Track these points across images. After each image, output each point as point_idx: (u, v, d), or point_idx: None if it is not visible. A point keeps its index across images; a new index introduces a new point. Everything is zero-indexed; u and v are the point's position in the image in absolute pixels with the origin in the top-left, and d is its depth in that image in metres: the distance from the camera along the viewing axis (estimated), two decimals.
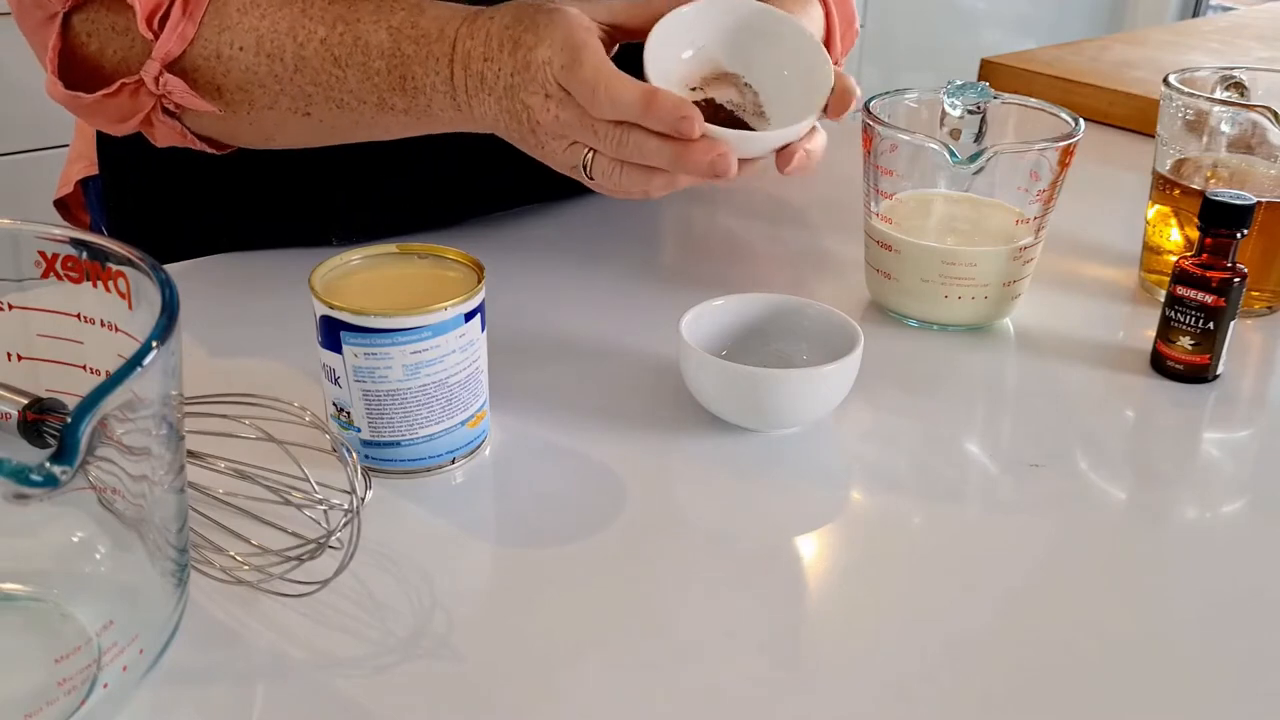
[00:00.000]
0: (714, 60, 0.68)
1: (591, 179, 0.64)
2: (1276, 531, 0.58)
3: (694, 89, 0.68)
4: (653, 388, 0.68)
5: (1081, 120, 0.73)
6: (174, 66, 0.69)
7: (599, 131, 0.61)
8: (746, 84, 0.68)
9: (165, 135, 0.73)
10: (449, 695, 0.46)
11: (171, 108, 0.71)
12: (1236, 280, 0.67)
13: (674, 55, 0.66)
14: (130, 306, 0.45)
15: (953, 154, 0.70)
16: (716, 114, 0.67)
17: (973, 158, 0.70)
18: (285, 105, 0.69)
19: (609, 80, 0.60)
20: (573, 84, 0.61)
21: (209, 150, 0.75)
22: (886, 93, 0.77)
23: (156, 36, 0.67)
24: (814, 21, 0.83)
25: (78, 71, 0.71)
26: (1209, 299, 0.67)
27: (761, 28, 0.67)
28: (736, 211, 0.94)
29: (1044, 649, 0.50)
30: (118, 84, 0.69)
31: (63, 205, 0.96)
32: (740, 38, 0.68)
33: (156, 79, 0.68)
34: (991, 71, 1.30)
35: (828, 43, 0.88)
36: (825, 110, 0.64)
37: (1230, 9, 2.39)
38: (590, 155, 0.63)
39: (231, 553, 0.51)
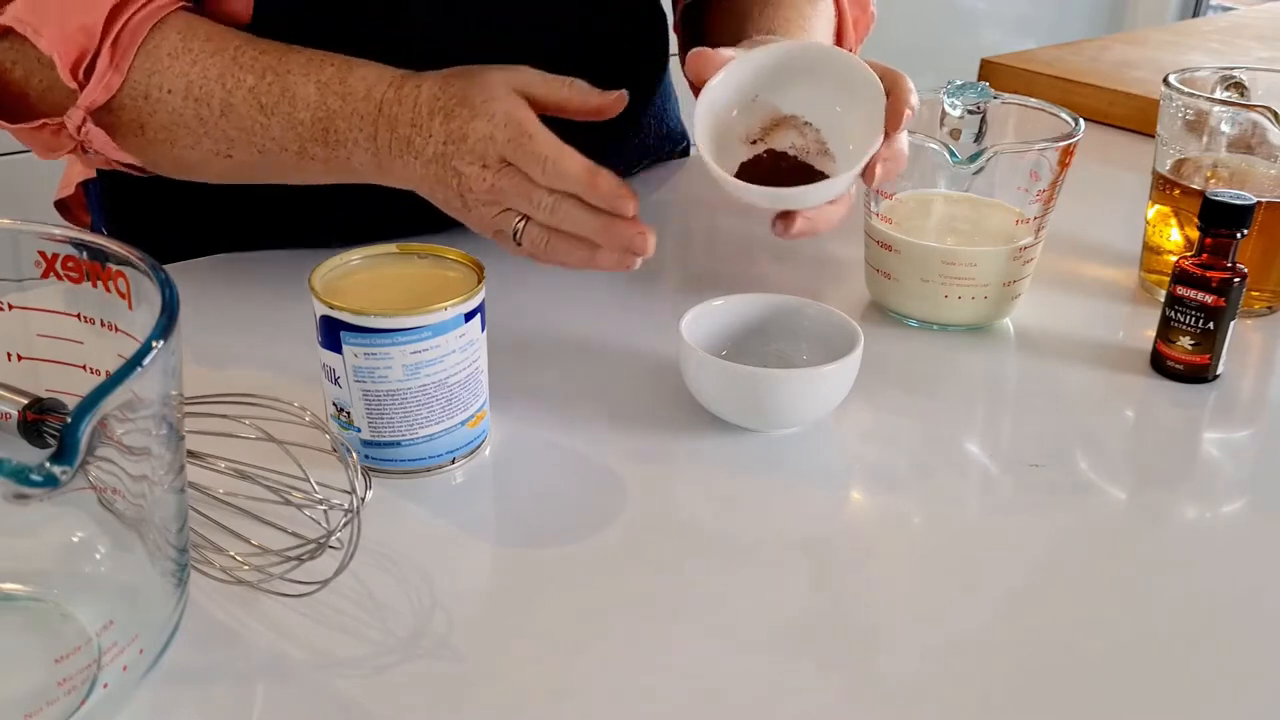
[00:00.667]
0: (767, 106, 0.69)
1: (519, 244, 0.66)
2: (1276, 531, 0.58)
3: (754, 141, 0.69)
4: (653, 388, 0.68)
5: (1081, 120, 0.73)
6: (98, 110, 0.70)
7: (535, 200, 0.64)
8: (806, 123, 0.69)
9: (91, 163, 0.75)
10: (449, 695, 0.46)
11: (92, 152, 0.72)
12: (1236, 280, 0.67)
13: (725, 116, 0.68)
14: (130, 306, 0.45)
15: (953, 154, 0.70)
16: (779, 164, 0.67)
17: (973, 158, 0.70)
18: (208, 147, 0.71)
19: (559, 154, 0.63)
20: (520, 156, 0.64)
21: (133, 173, 0.77)
22: None
23: (82, 86, 0.69)
24: (822, 17, 0.83)
25: (3, 96, 0.72)
26: (1209, 299, 0.67)
27: (802, 64, 0.67)
28: (737, 211, 0.94)
29: (1044, 649, 0.50)
30: (40, 122, 0.71)
31: (64, 206, 0.96)
32: (785, 78, 0.68)
33: (79, 127, 0.70)
34: (991, 71, 1.30)
35: (840, 33, 0.88)
36: (886, 130, 0.65)
37: (1230, 9, 2.39)
38: (522, 223, 0.65)
39: (231, 553, 0.51)
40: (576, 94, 0.67)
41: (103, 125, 0.70)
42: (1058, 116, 0.74)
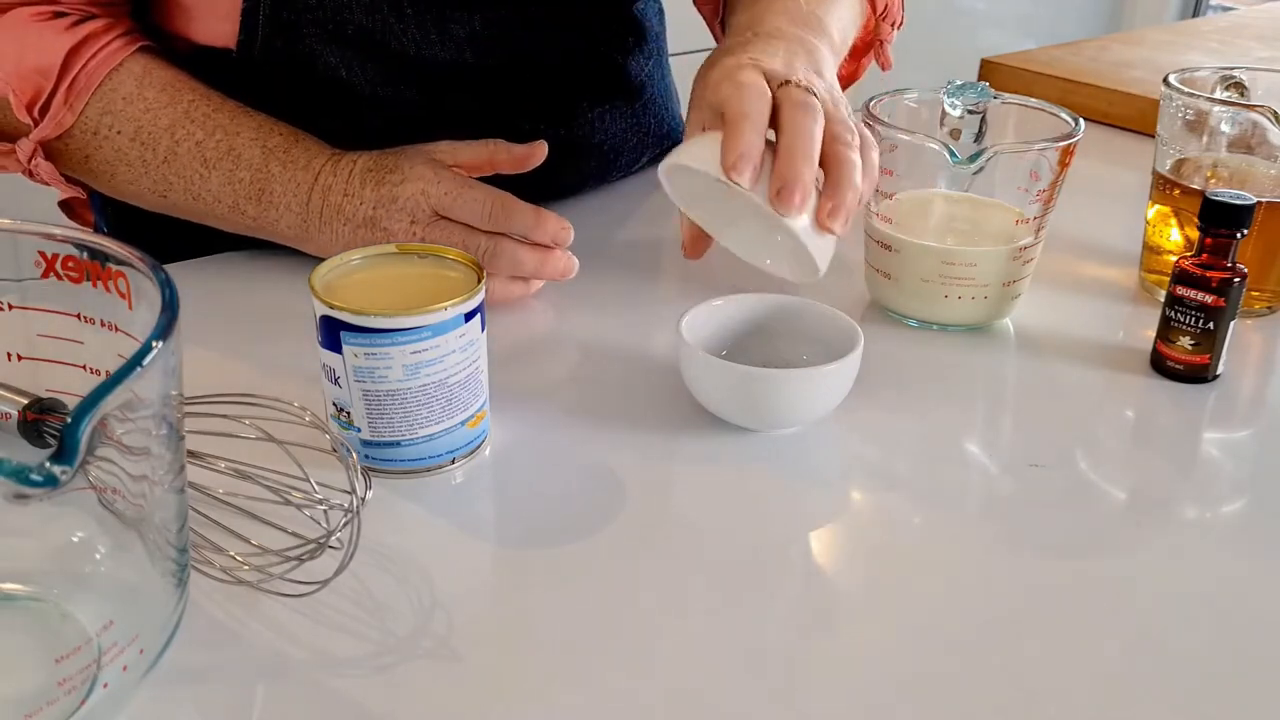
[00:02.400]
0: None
1: None
2: (1277, 531, 0.58)
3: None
4: (653, 388, 0.68)
5: (1081, 120, 0.73)
6: (48, 142, 0.74)
7: (471, 246, 0.71)
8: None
9: (43, 181, 0.78)
10: (449, 695, 0.46)
11: (39, 180, 0.77)
12: (1236, 280, 0.67)
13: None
14: (130, 306, 0.45)
15: (953, 154, 0.70)
16: None
17: (973, 158, 0.70)
18: (145, 185, 0.75)
19: (502, 198, 0.71)
20: (460, 206, 0.71)
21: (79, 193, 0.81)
22: (886, 93, 0.77)
23: (36, 123, 0.72)
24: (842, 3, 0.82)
25: None
26: (1209, 299, 0.67)
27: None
28: None
29: (1043, 649, 0.50)
30: None
31: (67, 206, 0.96)
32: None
33: (30, 158, 0.74)
34: (991, 71, 1.30)
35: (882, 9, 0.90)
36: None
37: (1230, 9, 2.39)
38: None
39: (231, 553, 0.51)
40: (500, 149, 0.75)
41: (50, 153, 0.75)
42: (1058, 116, 0.74)
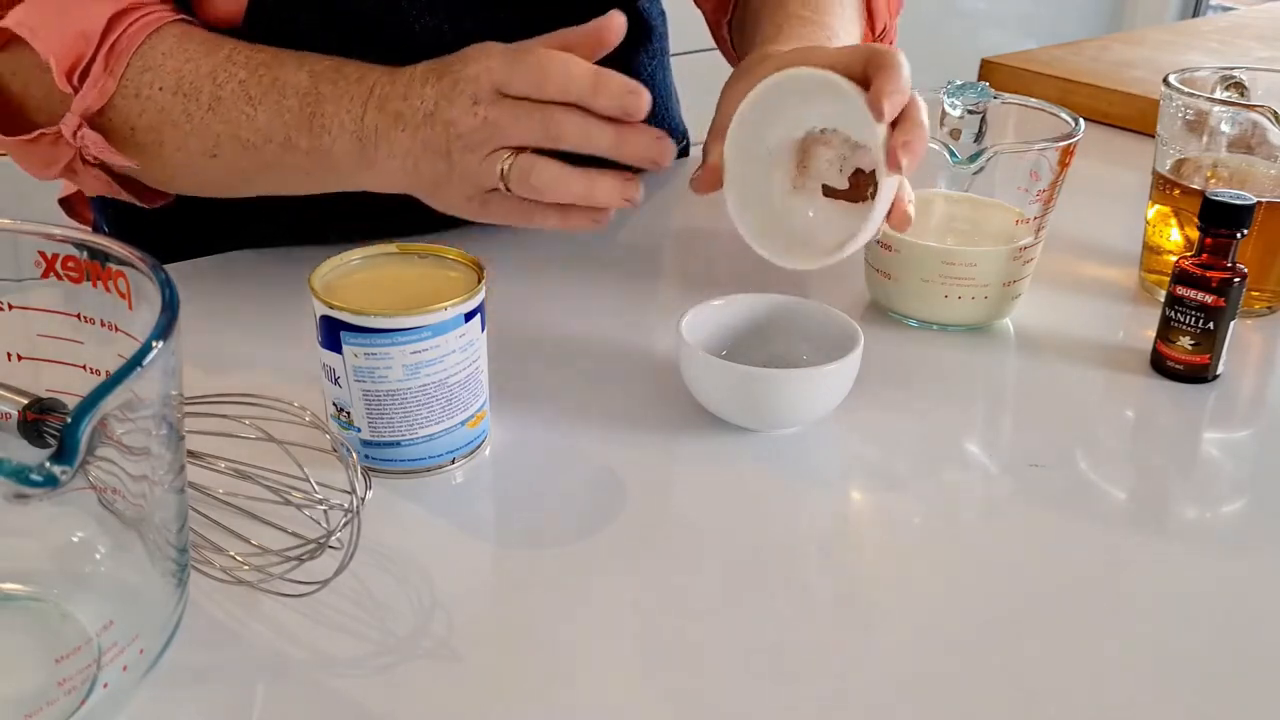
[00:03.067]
0: (785, 145, 0.65)
1: (509, 188, 0.64)
2: (1277, 531, 0.58)
3: (798, 186, 0.66)
4: (653, 388, 0.68)
5: (1081, 120, 0.73)
6: (93, 115, 0.70)
7: (535, 117, 0.61)
8: (821, 130, 0.65)
9: (91, 184, 0.74)
10: (449, 695, 0.46)
11: (93, 160, 0.72)
12: (1236, 280, 0.67)
13: (764, 190, 0.66)
14: (130, 306, 0.45)
15: (953, 154, 0.70)
16: (856, 182, 0.65)
17: (973, 158, 0.70)
18: (194, 147, 0.71)
19: (560, 58, 0.61)
20: (519, 72, 0.61)
21: (136, 203, 0.77)
22: None
23: (76, 91, 0.69)
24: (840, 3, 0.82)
25: (3, 112, 0.72)
26: (1209, 299, 0.67)
27: (785, 93, 0.63)
28: None
29: (1043, 649, 0.50)
30: (36, 133, 0.70)
31: (67, 204, 0.96)
32: (779, 111, 0.64)
33: (75, 133, 0.70)
34: (991, 71, 1.30)
35: (871, 13, 0.88)
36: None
37: (1230, 9, 2.39)
38: (510, 161, 0.63)
39: (231, 553, 0.51)
40: (571, 34, 0.65)
41: (97, 130, 0.71)
42: (1058, 116, 0.74)
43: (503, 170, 0.63)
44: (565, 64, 0.61)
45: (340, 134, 0.67)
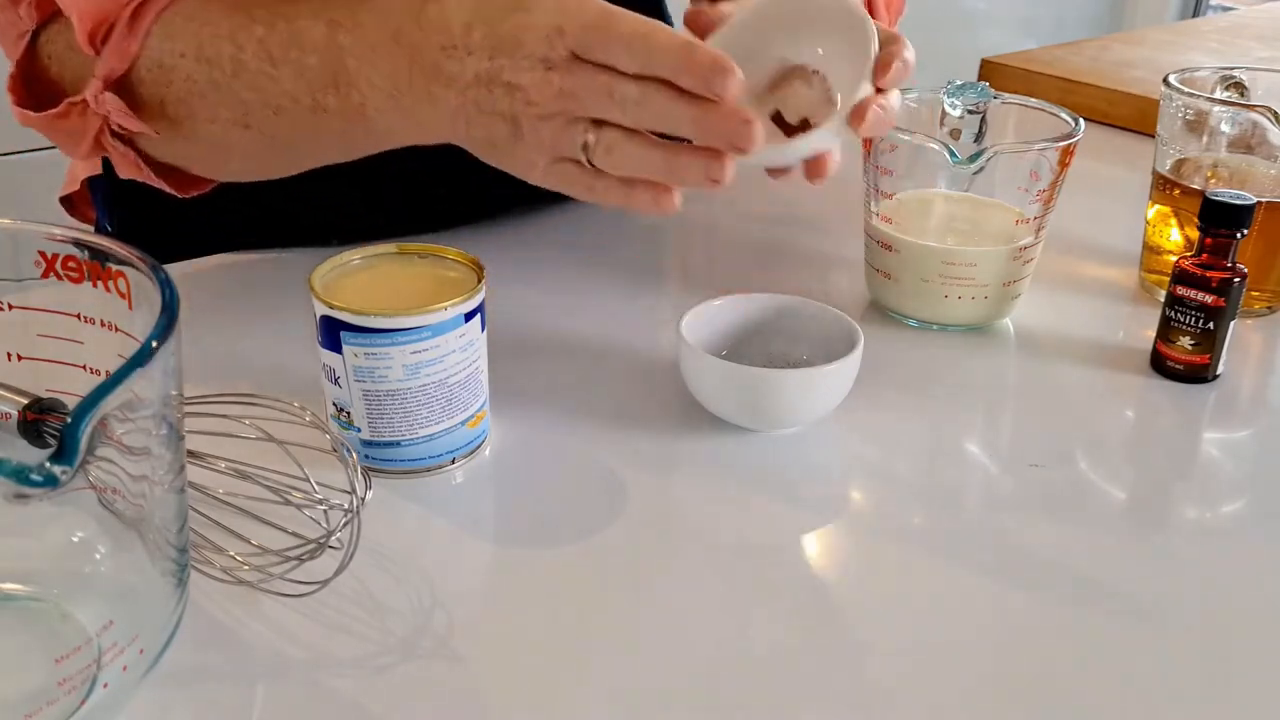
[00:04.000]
0: (773, 59, 0.64)
1: (591, 163, 0.56)
2: (1277, 531, 0.58)
3: (762, 96, 0.64)
4: (653, 388, 0.68)
5: (1081, 120, 0.73)
6: (118, 83, 0.67)
7: (619, 93, 0.54)
8: (814, 72, 0.64)
9: (122, 164, 0.71)
10: (449, 695, 0.46)
11: (117, 129, 0.69)
12: (1236, 280, 0.67)
13: (751, 50, 0.63)
14: (130, 306, 0.45)
15: (953, 154, 0.70)
16: (804, 126, 0.63)
17: (973, 158, 0.70)
18: (225, 116, 0.67)
19: (649, 27, 0.53)
20: (600, 41, 0.53)
21: (169, 190, 0.74)
22: None
23: (98, 54, 0.66)
24: None
25: (42, 94, 0.70)
26: (1209, 299, 0.67)
27: (803, 12, 0.63)
28: (737, 211, 0.94)
29: (1044, 649, 0.50)
30: (64, 104, 0.68)
31: (69, 202, 0.96)
32: (787, 28, 0.63)
33: (96, 97, 0.66)
34: (991, 71, 1.30)
35: (872, 9, 0.87)
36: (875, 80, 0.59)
37: (1230, 9, 2.39)
38: (593, 135, 0.55)
39: (231, 553, 0.51)
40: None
41: (123, 99, 0.67)
42: (1058, 116, 0.74)
43: (587, 143, 0.56)
44: (652, 39, 0.53)
45: (370, 91, 0.61)
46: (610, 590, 0.52)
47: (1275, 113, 0.75)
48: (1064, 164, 0.72)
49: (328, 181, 0.81)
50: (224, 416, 0.54)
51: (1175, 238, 0.79)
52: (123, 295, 0.45)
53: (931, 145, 0.71)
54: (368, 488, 0.51)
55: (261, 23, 0.64)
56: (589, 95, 0.54)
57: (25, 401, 0.51)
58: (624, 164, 0.56)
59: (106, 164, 0.87)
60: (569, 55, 0.54)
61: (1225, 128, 0.78)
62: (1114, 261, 0.87)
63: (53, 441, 0.47)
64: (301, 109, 0.64)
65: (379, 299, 0.57)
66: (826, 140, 0.59)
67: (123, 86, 0.67)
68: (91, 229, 0.94)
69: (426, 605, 0.51)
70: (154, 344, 0.38)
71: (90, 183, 0.92)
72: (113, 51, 0.65)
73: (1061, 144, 0.71)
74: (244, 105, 0.66)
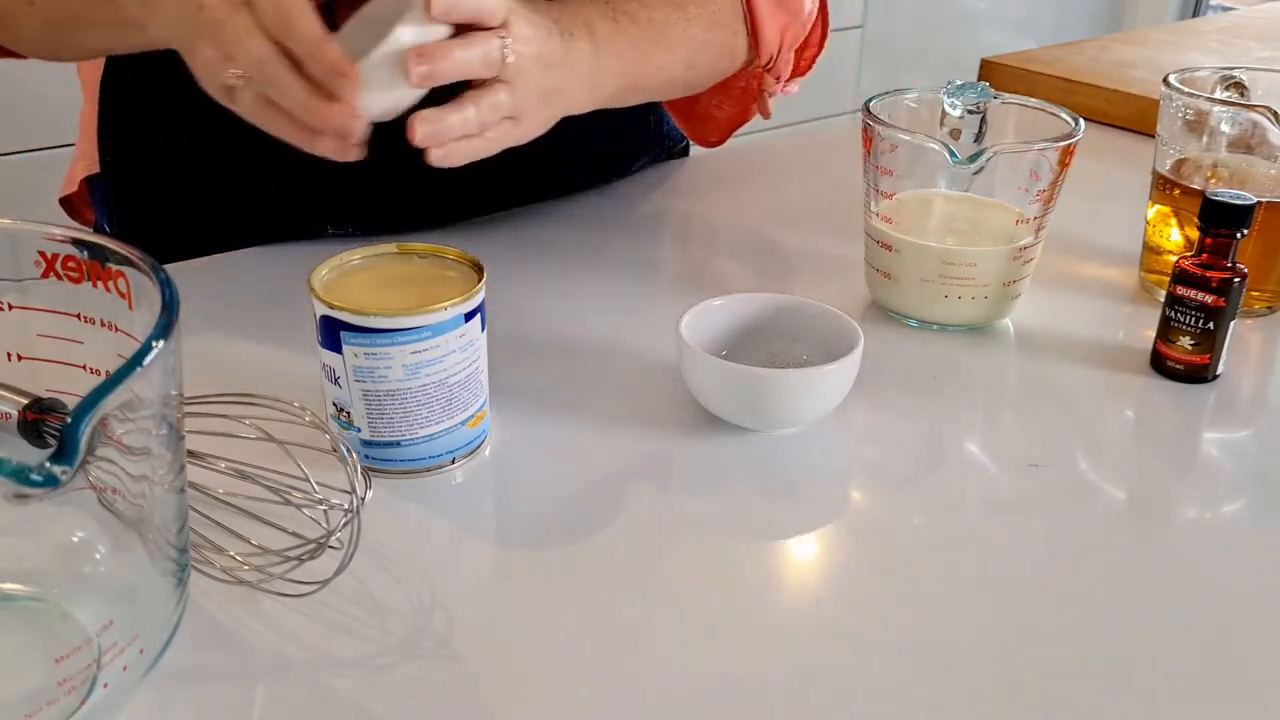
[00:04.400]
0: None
1: (235, 104, 0.60)
2: (1277, 531, 0.58)
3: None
4: (653, 388, 0.68)
5: (1081, 120, 0.73)
6: None
7: (248, 46, 0.57)
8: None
9: None
10: (449, 695, 0.46)
11: None
12: (1236, 280, 0.67)
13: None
14: (130, 306, 0.45)
15: (953, 154, 0.70)
16: None
17: (973, 158, 0.70)
18: None
19: (302, 7, 0.57)
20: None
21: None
22: (886, 93, 0.77)
23: None
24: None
25: None
26: (1209, 299, 0.67)
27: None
28: (737, 211, 0.94)
29: (1044, 649, 0.50)
30: None
31: (68, 203, 0.96)
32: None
33: None
34: (991, 71, 1.30)
35: (756, 36, 0.83)
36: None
37: (1230, 9, 2.39)
38: (240, 81, 0.59)
39: (231, 553, 0.51)
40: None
41: None
42: (1058, 116, 0.74)
43: (233, 87, 0.59)
44: (290, 14, 0.56)
45: None
46: (610, 590, 0.52)
47: (1275, 113, 0.75)
48: (1064, 164, 0.72)
49: (327, 177, 0.81)
50: (224, 416, 0.54)
51: (1175, 238, 0.79)
52: (122, 295, 0.45)
53: (931, 145, 0.71)
54: (368, 488, 0.51)
55: None
56: (228, 32, 0.57)
57: (25, 401, 0.51)
58: (266, 123, 0.59)
59: (106, 164, 0.88)
60: None
61: (1225, 128, 0.78)
62: (1114, 261, 0.87)
63: (53, 441, 0.47)
64: None
65: (379, 299, 0.57)
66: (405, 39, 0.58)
67: None
68: (90, 230, 0.95)
69: (426, 605, 0.51)
70: (154, 344, 0.38)
71: (89, 183, 0.93)
72: None
73: (1061, 144, 0.71)
74: None
